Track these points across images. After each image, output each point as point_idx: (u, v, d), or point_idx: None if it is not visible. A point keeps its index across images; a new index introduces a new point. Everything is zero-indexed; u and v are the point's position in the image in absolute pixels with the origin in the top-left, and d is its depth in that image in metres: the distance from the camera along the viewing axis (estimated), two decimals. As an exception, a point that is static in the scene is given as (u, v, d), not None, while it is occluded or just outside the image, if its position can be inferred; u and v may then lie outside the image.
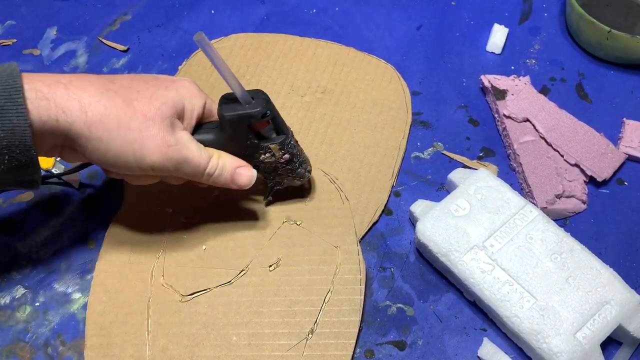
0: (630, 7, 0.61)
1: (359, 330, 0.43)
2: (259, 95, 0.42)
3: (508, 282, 0.42)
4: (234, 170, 0.43)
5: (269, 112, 0.41)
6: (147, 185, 0.44)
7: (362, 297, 0.44)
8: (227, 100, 0.42)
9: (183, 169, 0.41)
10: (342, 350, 0.42)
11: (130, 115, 0.38)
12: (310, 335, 0.43)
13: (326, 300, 0.44)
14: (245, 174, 0.44)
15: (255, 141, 0.43)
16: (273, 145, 0.43)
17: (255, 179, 0.44)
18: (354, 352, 0.42)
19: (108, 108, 0.37)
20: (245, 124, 0.42)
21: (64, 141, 0.38)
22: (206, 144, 0.42)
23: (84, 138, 0.37)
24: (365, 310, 0.45)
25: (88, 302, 0.45)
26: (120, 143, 0.38)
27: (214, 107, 0.44)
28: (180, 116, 0.41)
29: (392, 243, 0.48)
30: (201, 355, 0.42)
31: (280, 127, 0.44)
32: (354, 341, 0.42)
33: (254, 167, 0.44)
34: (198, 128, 0.43)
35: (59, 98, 0.36)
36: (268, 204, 0.48)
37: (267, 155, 0.44)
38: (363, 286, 0.44)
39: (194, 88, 0.42)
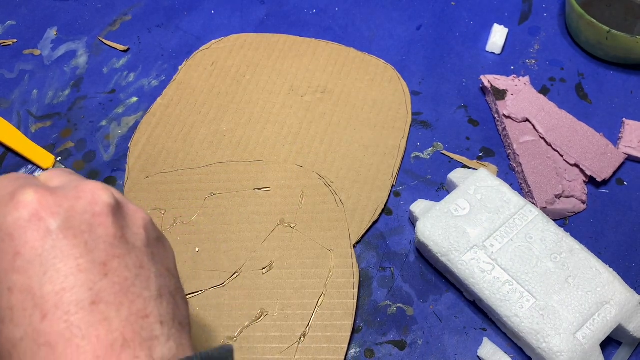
0: (630, 7, 0.61)
1: (352, 335, 0.43)
2: None
3: (508, 281, 0.42)
4: None
5: None
6: (142, 185, 0.43)
7: (355, 301, 0.44)
8: None
9: None
10: (334, 355, 0.42)
11: None
12: (302, 339, 0.42)
13: (319, 304, 0.44)
14: None
15: None
16: None
17: None
18: (345, 357, 0.42)
19: None
20: None
21: None
22: None
23: None
24: (365, 310, 0.45)
25: None
26: None
27: None
28: None
29: (392, 243, 0.48)
30: None
31: None
32: (346, 345, 0.42)
33: None
34: None
35: None
36: None
37: None
38: (356, 290, 0.44)
39: None
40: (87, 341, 0.23)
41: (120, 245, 0.26)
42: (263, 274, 0.45)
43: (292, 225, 0.48)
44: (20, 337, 0.24)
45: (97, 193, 0.27)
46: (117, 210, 0.27)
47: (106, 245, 0.26)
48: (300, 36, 0.61)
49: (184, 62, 0.59)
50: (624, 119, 0.55)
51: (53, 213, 0.25)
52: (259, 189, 0.50)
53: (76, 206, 0.26)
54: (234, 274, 0.45)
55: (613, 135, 0.54)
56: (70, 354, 0.23)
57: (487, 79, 0.56)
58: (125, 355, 0.23)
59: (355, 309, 0.44)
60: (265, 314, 0.44)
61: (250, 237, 0.47)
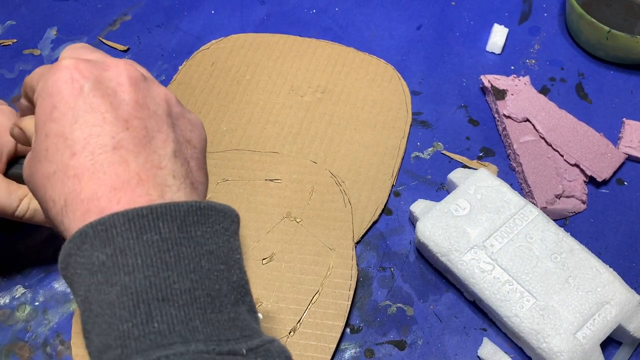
0: (630, 7, 0.61)
1: (342, 336, 0.43)
2: None
3: (508, 281, 0.42)
4: None
5: None
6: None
7: (349, 303, 0.44)
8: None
9: None
10: (321, 354, 0.42)
11: None
12: (291, 334, 0.42)
13: (313, 301, 0.44)
14: None
15: None
16: None
17: None
18: (332, 357, 0.42)
19: None
20: None
21: None
22: (22, 180, 0.40)
23: None
24: (365, 310, 0.45)
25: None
26: None
27: None
28: None
29: (392, 243, 0.48)
30: None
31: None
32: (334, 346, 0.42)
33: None
34: (16, 162, 0.41)
35: None
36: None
37: None
38: (352, 292, 0.44)
39: (7, 122, 0.40)
40: (107, 175, 0.27)
41: (142, 109, 0.29)
42: (263, 264, 0.46)
43: (297, 220, 0.48)
44: (53, 171, 0.28)
45: (124, 67, 0.30)
46: (142, 82, 0.31)
47: (129, 107, 0.29)
48: (300, 36, 0.61)
49: (184, 62, 0.59)
50: (624, 119, 0.55)
51: (85, 77, 0.29)
52: (270, 180, 0.50)
53: (104, 74, 0.30)
54: None
55: (613, 135, 0.54)
56: (93, 184, 0.27)
57: (487, 79, 0.56)
58: (139, 190, 0.27)
59: (348, 311, 0.44)
60: (259, 304, 0.44)
61: (255, 226, 0.47)
